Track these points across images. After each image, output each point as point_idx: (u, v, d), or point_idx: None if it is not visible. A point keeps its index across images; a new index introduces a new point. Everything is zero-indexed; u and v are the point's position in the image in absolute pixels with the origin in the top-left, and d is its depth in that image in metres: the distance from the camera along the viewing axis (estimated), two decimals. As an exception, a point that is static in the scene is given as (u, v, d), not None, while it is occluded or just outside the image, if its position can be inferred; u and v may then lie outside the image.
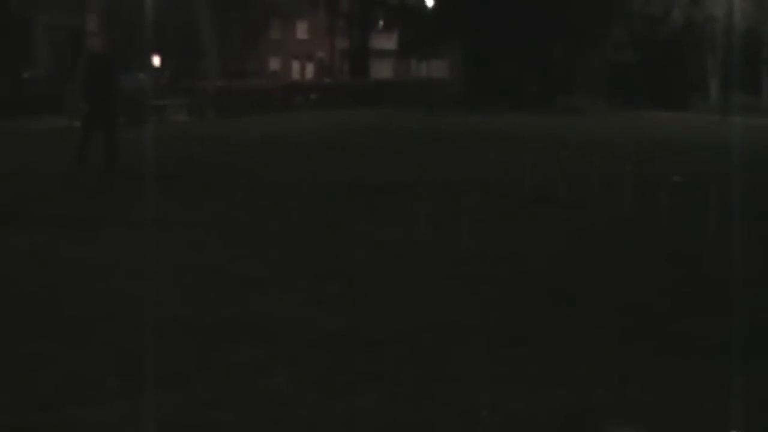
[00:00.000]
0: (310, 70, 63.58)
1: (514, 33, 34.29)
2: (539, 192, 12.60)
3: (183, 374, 5.41)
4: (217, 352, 5.83)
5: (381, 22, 51.37)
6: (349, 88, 41.55)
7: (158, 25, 38.40)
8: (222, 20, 41.44)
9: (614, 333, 6.28)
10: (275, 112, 31.72)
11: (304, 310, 6.81)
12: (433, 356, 5.77)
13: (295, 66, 63.57)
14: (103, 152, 14.72)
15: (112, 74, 14.84)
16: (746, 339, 6.06)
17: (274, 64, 62.25)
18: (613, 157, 15.86)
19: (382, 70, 51.10)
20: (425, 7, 43.16)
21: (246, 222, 10.63)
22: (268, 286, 7.54)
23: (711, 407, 4.93)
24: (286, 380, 5.30)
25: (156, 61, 44.62)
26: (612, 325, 6.49)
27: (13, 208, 11.47)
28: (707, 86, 34.49)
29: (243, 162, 16.53)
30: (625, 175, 11.81)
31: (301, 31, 64.60)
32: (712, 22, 36.89)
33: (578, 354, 5.82)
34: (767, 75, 37.80)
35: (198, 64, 42.44)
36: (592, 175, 13.45)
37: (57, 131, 20.41)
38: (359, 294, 7.32)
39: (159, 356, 5.73)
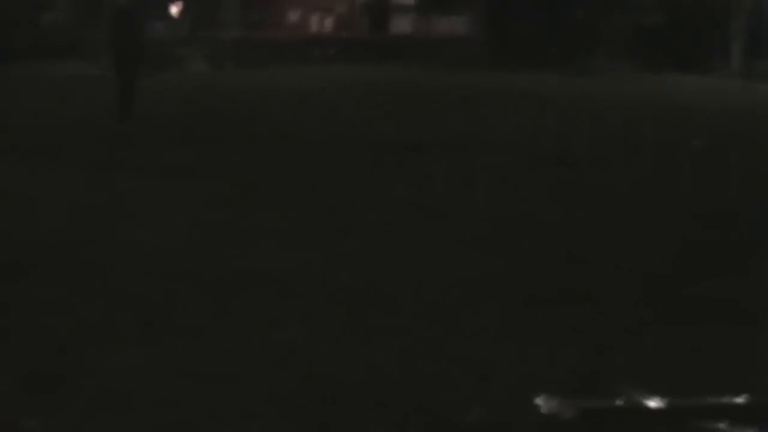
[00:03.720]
0: (329, 23, 63.21)
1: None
2: (559, 153, 12.53)
3: (199, 325, 5.43)
4: (233, 304, 5.84)
5: (402, -23, 50.88)
6: (368, 42, 41.30)
7: (178, -26, 38.17)
8: (242, -30, 41.14)
9: (632, 295, 6.26)
10: (293, 64, 31.61)
11: (322, 265, 6.81)
12: (450, 314, 5.77)
13: (314, 19, 63.19)
14: (120, 101, 14.69)
15: (137, 26, 14.91)
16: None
17: (293, 16, 61.86)
18: (633, 120, 15.78)
19: (401, 26, 50.72)
20: (447, -38, 42.69)
21: (265, 176, 10.61)
22: (286, 240, 7.54)
23: (727, 370, 4.92)
24: (300, 333, 5.31)
25: (174, 10, 44.35)
26: (630, 287, 6.47)
27: (44, 150, 11.49)
28: (729, 50, 34.17)
29: (263, 115, 16.49)
30: (646, 138, 11.73)
31: (322, -17, 64.07)
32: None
33: (595, 315, 5.81)
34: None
35: (217, 13, 42.24)
36: (613, 138, 13.37)
37: (79, 78, 20.41)
38: (377, 250, 7.31)
39: (175, 306, 5.75)
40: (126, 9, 14.98)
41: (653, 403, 4.39)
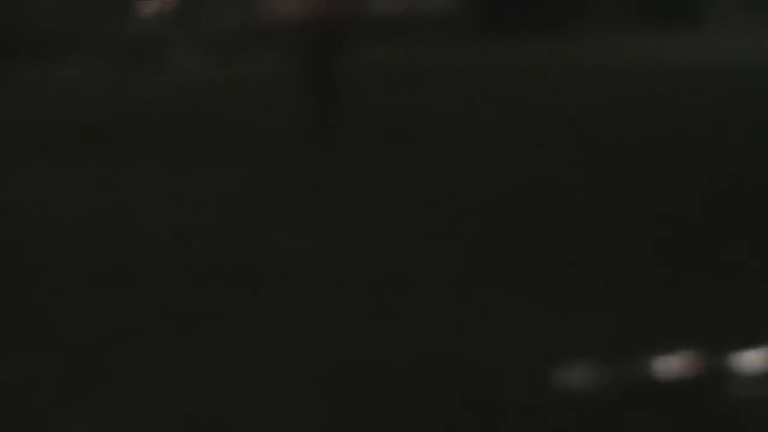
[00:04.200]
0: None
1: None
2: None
3: (213, 315, 5.41)
4: (247, 292, 5.82)
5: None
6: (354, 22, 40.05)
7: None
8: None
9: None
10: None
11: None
12: (464, 297, 5.67)
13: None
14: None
15: None
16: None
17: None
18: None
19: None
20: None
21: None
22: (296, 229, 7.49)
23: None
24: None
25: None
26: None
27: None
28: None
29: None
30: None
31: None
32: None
33: (601, 282, 5.78)
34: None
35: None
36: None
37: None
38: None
39: (188, 297, 5.74)
40: None
41: (674, 372, 4.27)
